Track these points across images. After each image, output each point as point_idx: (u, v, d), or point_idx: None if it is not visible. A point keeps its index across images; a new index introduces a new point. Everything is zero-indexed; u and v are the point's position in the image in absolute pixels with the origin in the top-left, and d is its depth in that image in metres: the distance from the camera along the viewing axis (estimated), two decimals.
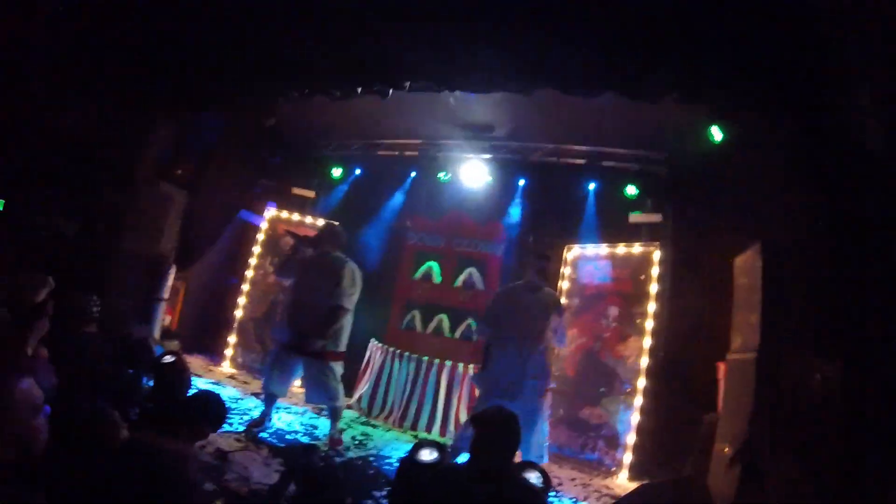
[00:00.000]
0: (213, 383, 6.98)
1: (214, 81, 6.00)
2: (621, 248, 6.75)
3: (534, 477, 3.49)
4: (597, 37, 4.35)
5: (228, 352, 8.04)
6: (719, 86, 4.34)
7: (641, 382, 6.12)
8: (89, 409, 3.07)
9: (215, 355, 8.21)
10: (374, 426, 6.76)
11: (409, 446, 5.98)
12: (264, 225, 8.45)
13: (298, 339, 5.54)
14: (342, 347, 5.73)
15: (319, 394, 5.67)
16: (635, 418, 6.04)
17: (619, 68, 4.30)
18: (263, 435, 5.46)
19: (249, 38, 5.48)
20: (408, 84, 5.03)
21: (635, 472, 5.90)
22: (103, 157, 5.85)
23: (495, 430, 2.70)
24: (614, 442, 6.12)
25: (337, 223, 6.25)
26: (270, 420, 5.81)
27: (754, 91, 4.23)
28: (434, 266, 8.05)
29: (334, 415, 5.76)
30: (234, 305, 8.20)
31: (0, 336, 2.02)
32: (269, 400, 5.79)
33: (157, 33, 5.69)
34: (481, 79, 4.70)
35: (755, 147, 4.96)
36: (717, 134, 5.66)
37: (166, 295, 7.13)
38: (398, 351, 7.29)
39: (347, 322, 5.72)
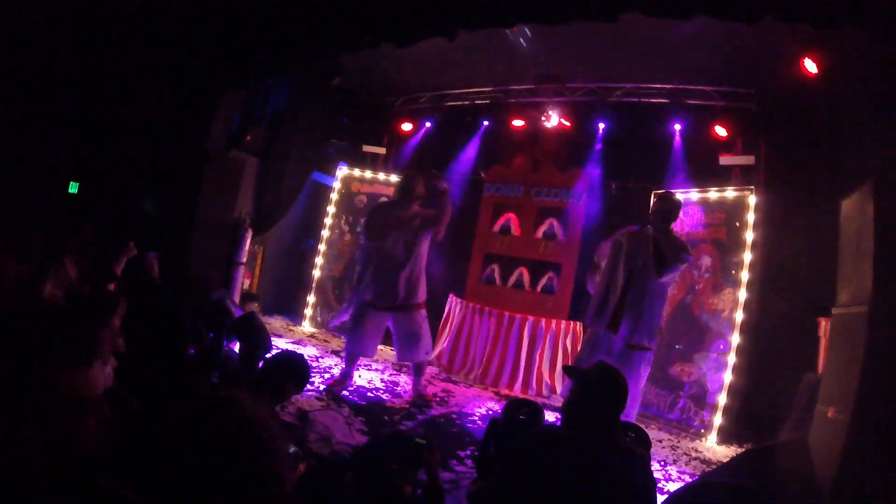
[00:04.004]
0: (294, 343, 7.07)
1: (276, 45, 5.88)
2: (713, 193, 6.25)
3: (632, 439, 3.26)
4: None
5: (308, 311, 8.15)
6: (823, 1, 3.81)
7: (735, 339, 5.70)
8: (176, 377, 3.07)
9: (295, 315, 8.34)
10: (454, 382, 6.69)
11: (492, 403, 5.96)
12: (337, 184, 8.41)
13: (387, 295, 5.49)
14: (424, 295, 5.69)
15: (414, 349, 5.59)
16: (728, 377, 5.65)
17: None
18: (344, 393, 5.47)
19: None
20: (475, 19, 4.67)
21: (725, 434, 5.57)
22: (175, 133, 5.91)
23: (598, 390, 2.45)
24: (703, 402, 5.77)
25: (412, 172, 6.04)
26: (352, 379, 5.81)
27: (863, 5, 3.69)
28: (513, 217, 7.77)
29: (420, 371, 5.75)
30: (312, 266, 8.27)
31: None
32: (352, 360, 5.77)
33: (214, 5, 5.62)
34: (557, 6, 4.28)
35: (859, 75, 4.41)
36: (811, 65, 5.16)
37: (244, 259, 7.24)
38: (478, 307, 7.15)
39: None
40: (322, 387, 5.46)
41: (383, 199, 6.80)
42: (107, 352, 2.53)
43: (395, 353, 5.88)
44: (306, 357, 4.01)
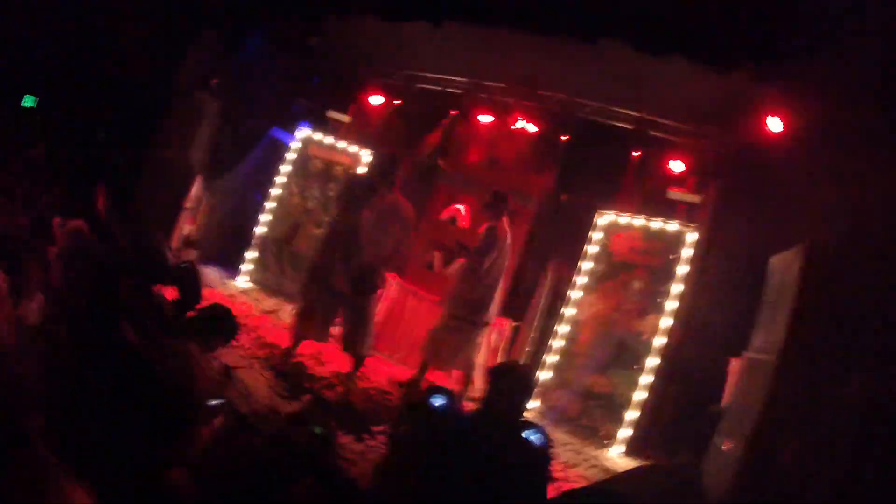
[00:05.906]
0: (226, 297, 6.98)
1: None
2: (656, 223, 6.50)
3: (535, 437, 3.43)
4: None
5: (245, 267, 8.01)
6: (800, 66, 4.08)
7: (652, 361, 6.00)
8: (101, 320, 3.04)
9: (231, 269, 8.19)
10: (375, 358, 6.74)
11: (410, 384, 6.07)
12: (296, 145, 8.29)
13: (356, 280, 5.25)
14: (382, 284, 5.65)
15: (361, 338, 5.38)
16: (640, 395, 5.95)
17: (696, 31, 4.02)
18: None
19: None
20: (464, 13, 4.75)
21: (630, 448, 5.85)
22: (142, 68, 5.75)
23: (512, 382, 2.64)
24: (614, 415, 6.05)
25: (394, 153, 5.84)
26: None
27: (837, 77, 3.97)
28: (462, 210, 7.86)
29: (358, 365, 5.53)
30: (256, 222, 8.12)
31: None
32: (298, 342, 5.52)
33: None
34: (544, 20, 4.41)
35: (815, 142, 4.71)
36: (774, 124, 5.41)
37: (189, 204, 7.09)
38: (413, 289, 7.24)
39: None
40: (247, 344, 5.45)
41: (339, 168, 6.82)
42: (34, 287, 2.47)
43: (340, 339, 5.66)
44: (237, 313, 4.02)
